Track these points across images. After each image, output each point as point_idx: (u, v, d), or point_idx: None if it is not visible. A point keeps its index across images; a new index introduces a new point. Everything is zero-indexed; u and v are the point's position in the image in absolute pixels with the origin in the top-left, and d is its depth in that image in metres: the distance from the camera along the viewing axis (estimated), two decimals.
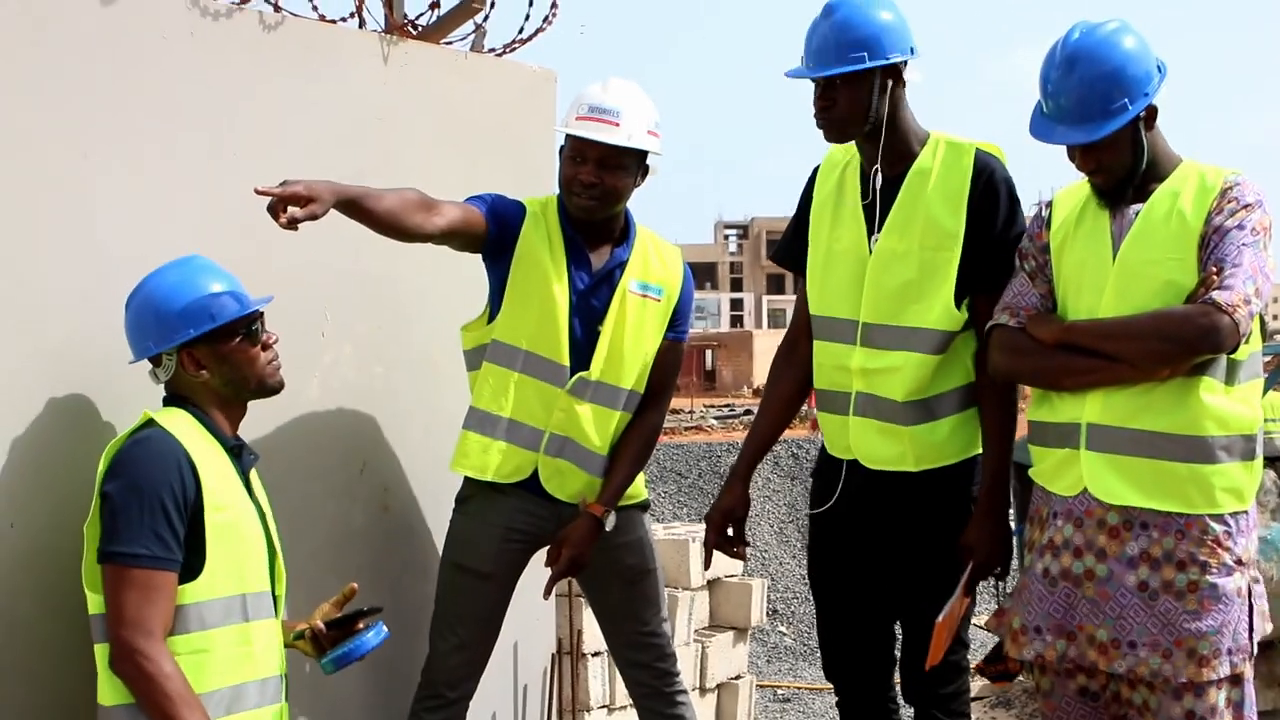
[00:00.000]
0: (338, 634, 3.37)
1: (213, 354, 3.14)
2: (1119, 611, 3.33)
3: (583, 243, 3.94)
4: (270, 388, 3.25)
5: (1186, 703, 3.32)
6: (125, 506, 2.95)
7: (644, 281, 3.99)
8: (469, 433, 3.95)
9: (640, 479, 4.11)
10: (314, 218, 3.26)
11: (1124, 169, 3.40)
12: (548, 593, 3.99)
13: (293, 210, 3.20)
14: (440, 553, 4.07)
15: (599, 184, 3.84)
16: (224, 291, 3.16)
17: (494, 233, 3.85)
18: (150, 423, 3.06)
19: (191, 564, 3.00)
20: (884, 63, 3.60)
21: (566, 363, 3.89)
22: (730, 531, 3.95)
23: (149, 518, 2.94)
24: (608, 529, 3.92)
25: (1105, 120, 3.33)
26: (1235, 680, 3.35)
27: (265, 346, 3.22)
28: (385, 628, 3.37)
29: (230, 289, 3.18)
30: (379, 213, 3.52)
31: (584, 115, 3.83)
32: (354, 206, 3.45)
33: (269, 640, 3.16)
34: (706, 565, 4.10)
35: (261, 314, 3.24)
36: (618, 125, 3.82)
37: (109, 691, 2.98)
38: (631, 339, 3.95)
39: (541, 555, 4.06)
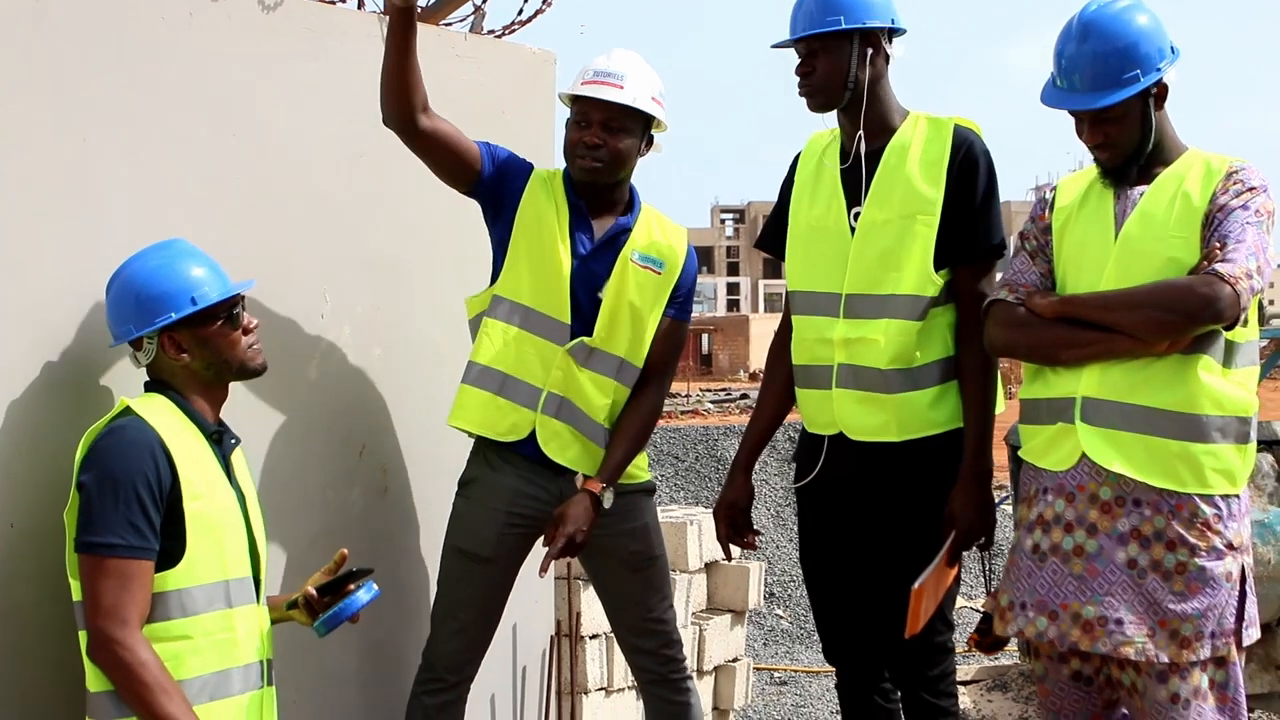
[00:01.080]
0: (330, 599, 3.36)
1: (193, 337, 3.13)
2: (1106, 588, 3.32)
3: (586, 210, 3.94)
4: (251, 371, 3.24)
5: (1172, 685, 3.32)
6: (100, 496, 2.94)
7: (646, 253, 3.99)
8: (467, 387, 3.93)
9: (644, 461, 4.09)
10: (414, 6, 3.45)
11: (1131, 145, 3.41)
12: (543, 571, 3.96)
13: None
14: (438, 535, 4.07)
15: (603, 145, 3.85)
16: (205, 275, 3.15)
17: (489, 173, 3.86)
18: (126, 411, 3.05)
19: (171, 551, 2.99)
20: (859, 26, 3.67)
21: (568, 321, 3.89)
22: (738, 522, 3.99)
23: (124, 507, 2.93)
24: (606, 506, 3.90)
25: (1117, 89, 3.35)
26: (1220, 662, 3.35)
27: (246, 330, 3.21)
28: (376, 586, 3.36)
29: (212, 272, 3.17)
30: (411, 58, 3.61)
31: (589, 80, 3.86)
32: (409, 29, 3.58)
33: (252, 626, 3.15)
34: (728, 556, 4.16)
35: (243, 297, 3.23)
36: (622, 88, 3.84)
37: (93, 678, 2.99)
38: (630, 307, 3.94)
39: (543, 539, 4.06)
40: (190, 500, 3.01)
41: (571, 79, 3.93)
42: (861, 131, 3.75)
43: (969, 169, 3.71)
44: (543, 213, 3.89)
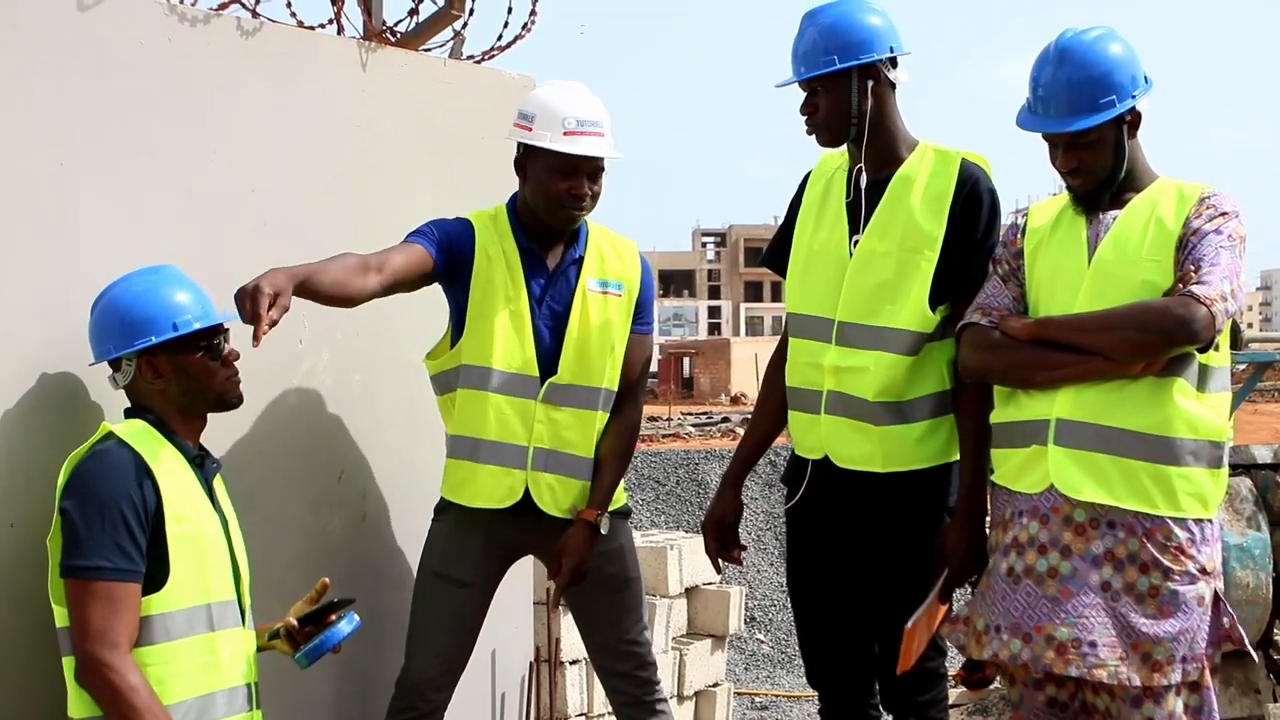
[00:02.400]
0: (312, 629, 3.35)
1: (172, 364, 3.14)
2: (1080, 610, 3.31)
3: (539, 250, 3.93)
4: (228, 403, 3.25)
5: (1146, 710, 3.32)
6: (85, 520, 2.94)
7: (603, 279, 3.98)
8: (457, 461, 3.92)
9: (620, 485, 4.09)
10: (285, 310, 3.21)
11: (1104, 171, 3.44)
12: (554, 605, 4.00)
13: (270, 314, 3.13)
14: (417, 560, 4.05)
15: (589, 195, 3.86)
16: (191, 302, 3.16)
17: (442, 265, 3.82)
18: (108, 435, 3.05)
19: (154, 575, 2.99)
20: (855, 63, 3.67)
21: (536, 374, 3.88)
22: (726, 537, 3.99)
23: (110, 530, 2.93)
24: (603, 532, 3.91)
25: (1092, 114, 3.38)
26: (1193, 687, 3.35)
27: (226, 362, 3.22)
28: (357, 617, 3.35)
29: (198, 300, 3.18)
30: (325, 286, 3.44)
31: (572, 130, 3.80)
32: (305, 286, 3.37)
33: (236, 649, 3.15)
34: (717, 570, 4.19)
35: (226, 329, 3.23)
36: (603, 135, 3.84)
37: (78, 704, 2.98)
38: (597, 337, 3.94)
39: (521, 564, 4.04)
40: (173, 523, 3.01)
41: (536, 119, 3.82)
42: (862, 165, 3.75)
43: (973, 205, 3.70)
44: (495, 271, 3.87)
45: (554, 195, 3.84)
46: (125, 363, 3.13)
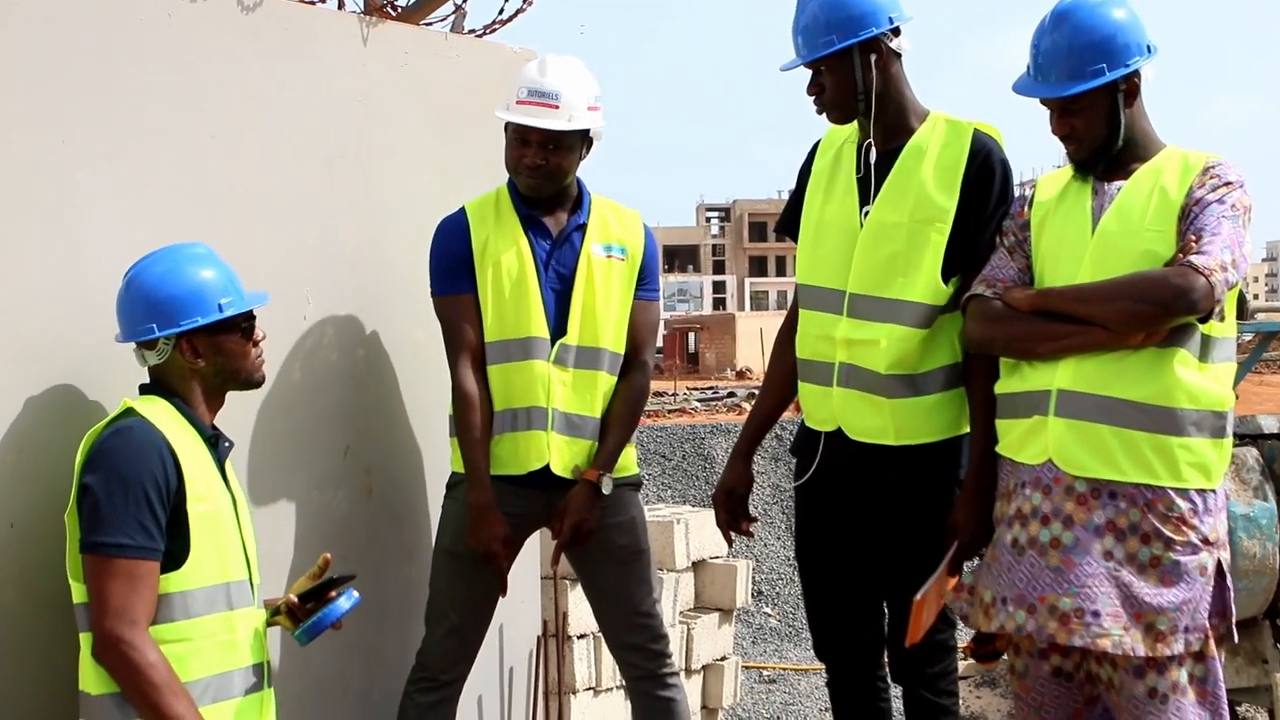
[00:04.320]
0: (313, 605, 3.36)
1: (211, 344, 3.15)
2: (1083, 580, 3.30)
3: (540, 215, 3.97)
4: (255, 382, 3.28)
5: (1149, 680, 3.32)
6: (108, 497, 2.94)
7: (606, 243, 4.02)
8: (496, 437, 3.93)
9: (632, 454, 4.11)
10: (514, 549, 3.95)
11: (1097, 139, 3.42)
12: (555, 563, 4.02)
13: (507, 561, 3.91)
14: (423, 535, 4.06)
15: (544, 165, 3.88)
16: (228, 282, 3.18)
17: (474, 286, 3.92)
18: (129, 412, 3.05)
19: (174, 553, 3.00)
20: (855, 40, 3.64)
21: (547, 335, 3.91)
22: (736, 509, 3.99)
23: (132, 508, 2.93)
24: (605, 492, 3.93)
25: (1080, 80, 3.36)
26: (1198, 656, 3.34)
27: (256, 342, 3.25)
28: (356, 593, 3.35)
29: (233, 281, 3.20)
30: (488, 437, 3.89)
31: (523, 99, 3.85)
32: (489, 468, 3.88)
33: (251, 627, 3.16)
34: (728, 543, 4.21)
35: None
36: (557, 108, 3.84)
37: (93, 680, 2.98)
38: (603, 299, 3.97)
39: (528, 539, 4.04)
40: (194, 502, 3.03)
41: (510, 88, 3.90)
42: (871, 139, 3.74)
43: (985, 176, 3.68)
44: (495, 247, 3.92)
45: (511, 162, 3.93)
46: (163, 342, 3.13)
